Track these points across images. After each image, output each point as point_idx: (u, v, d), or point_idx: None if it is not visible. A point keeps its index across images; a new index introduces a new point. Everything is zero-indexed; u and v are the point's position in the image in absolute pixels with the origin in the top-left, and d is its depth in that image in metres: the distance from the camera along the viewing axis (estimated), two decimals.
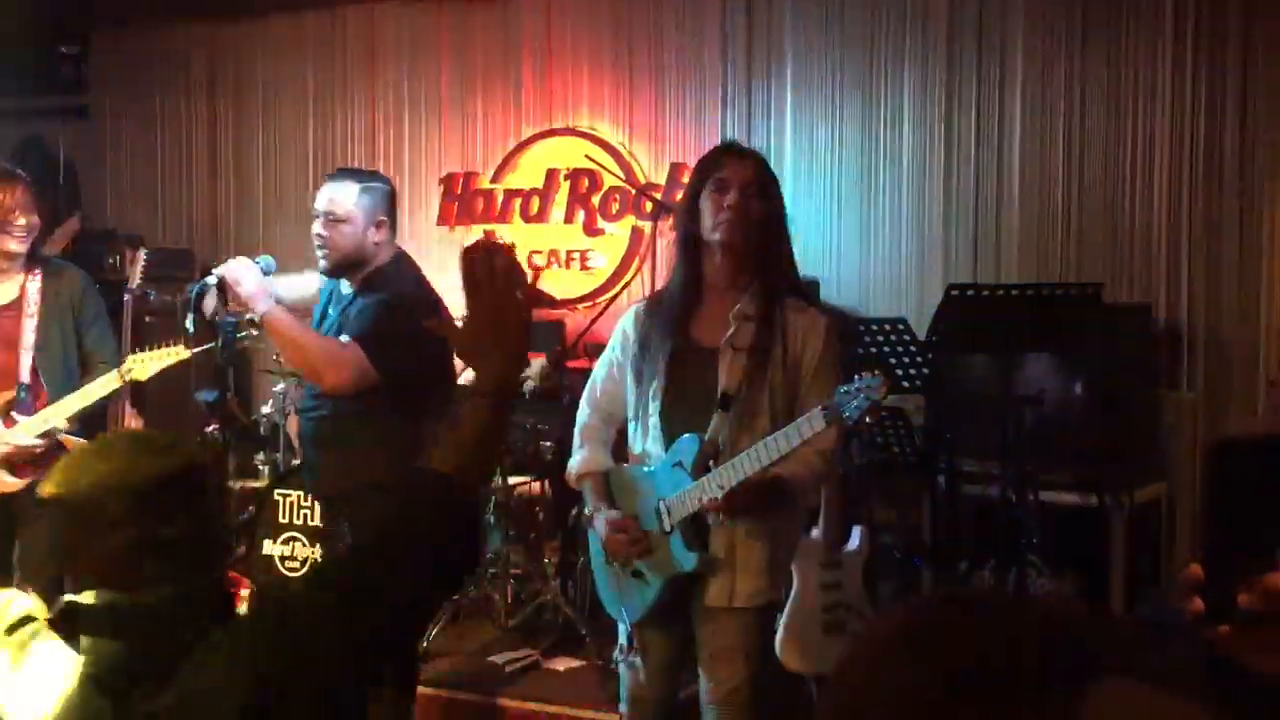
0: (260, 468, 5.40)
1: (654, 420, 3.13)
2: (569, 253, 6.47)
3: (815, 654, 4.17)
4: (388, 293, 3.76)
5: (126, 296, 5.27)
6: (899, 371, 4.66)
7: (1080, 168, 5.55)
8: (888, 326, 4.68)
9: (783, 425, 2.91)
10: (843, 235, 5.94)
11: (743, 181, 3.05)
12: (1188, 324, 5.35)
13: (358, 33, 6.98)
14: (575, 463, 3.29)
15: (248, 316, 3.62)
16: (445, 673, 4.80)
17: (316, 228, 3.80)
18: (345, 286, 3.88)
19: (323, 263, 3.83)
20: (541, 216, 6.51)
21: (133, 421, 5.71)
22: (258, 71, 7.22)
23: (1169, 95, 5.40)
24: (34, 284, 4.38)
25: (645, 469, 3.16)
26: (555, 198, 6.43)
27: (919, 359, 4.68)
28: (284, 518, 5.06)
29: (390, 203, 3.87)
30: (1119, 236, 5.48)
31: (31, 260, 4.39)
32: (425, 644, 4.95)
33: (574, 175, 6.35)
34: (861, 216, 5.92)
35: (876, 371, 2.80)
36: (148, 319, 6.14)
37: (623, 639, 3.28)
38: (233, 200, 7.22)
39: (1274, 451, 1.15)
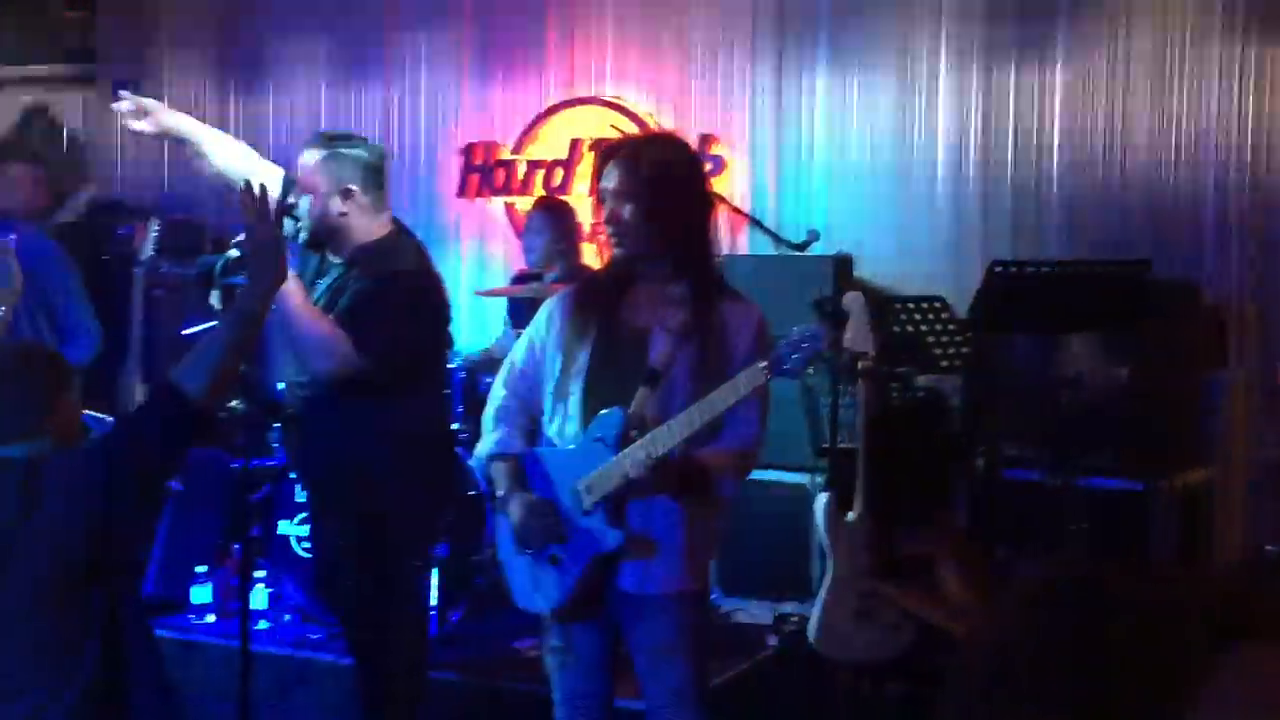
0: (274, 446, 5.26)
1: (575, 399, 3.06)
2: (593, 225, 6.31)
3: (850, 641, 4.08)
4: (382, 273, 3.61)
5: (138, 269, 5.15)
6: (936, 351, 4.53)
7: (1125, 141, 5.42)
8: (924, 305, 4.57)
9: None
10: (878, 211, 5.80)
11: (613, 191, 3.04)
12: (1236, 303, 5.23)
13: None
14: (487, 444, 3.18)
15: None
16: (467, 658, 4.73)
17: (289, 198, 3.65)
18: (334, 257, 3.72)
19: (301, 234, 3.67)
20: (564, 188, 6.36)
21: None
22: (270, 34, 7.07)
23: (1218, 67, 5.27)
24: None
25: (562, 449, 3.08)
26: (579, 169, 6.26)
27: (957, 338, 4.56)
28: (299, 497, 4.93)
29: (365, 170, 3.64)
30: (1165, 213, 5.36)
31: None
32: (445, 628, 4.87)
33: (598, 145, 6.20)
34: (897, 191, 5.78)
35: (822, 322, 2.79)
36: (158, 292, 6.03)
37: (553, 638, 3.19)
38: None
39: (919, 416, 1.21)
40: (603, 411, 2.99)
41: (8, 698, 2.55)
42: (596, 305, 3.11)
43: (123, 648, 2.62)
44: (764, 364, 2.79)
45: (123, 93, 3.83)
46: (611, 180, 3.05)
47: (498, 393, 3.23)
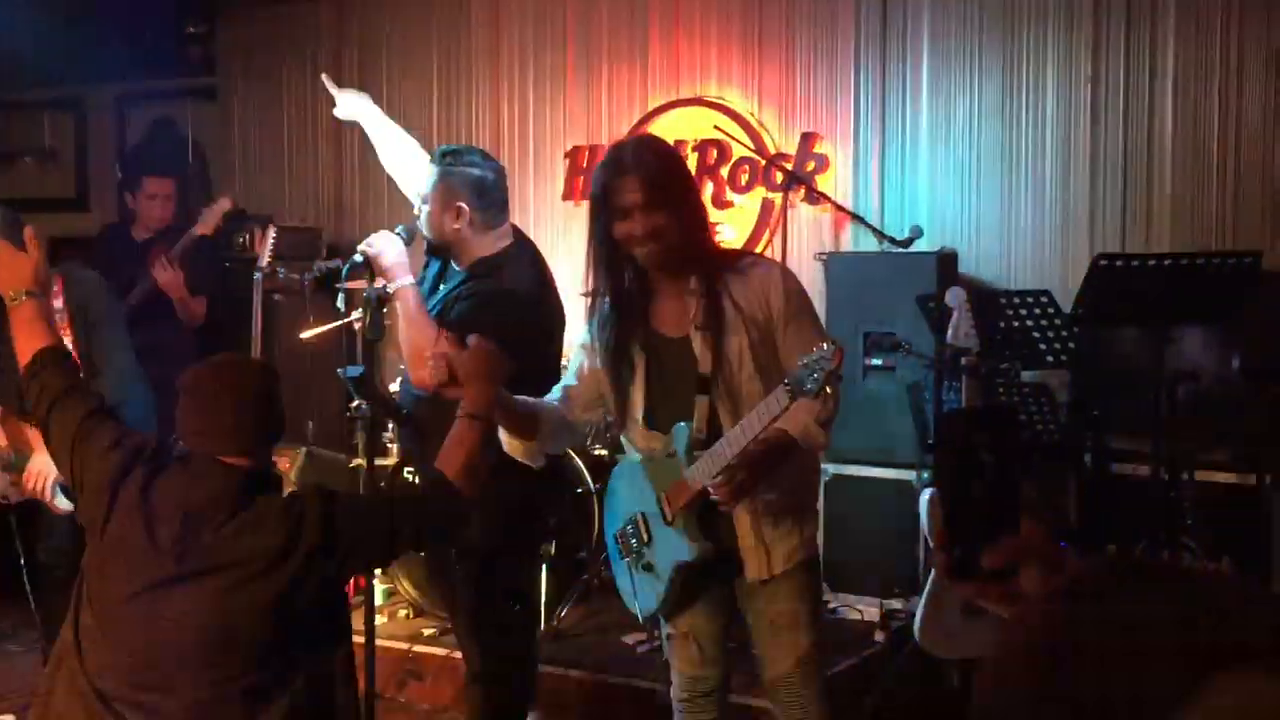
0: (389, 445, 5.39)
1: (638, 412, 3.15)
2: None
3: (955, 637, 4.05)
4: (487, 291, 3.69)
5: (256, 275, 5.32)
6: (1042, 346, 4.49)
7: (1237, 130, 5.28)
8: (1030, 299, 4.51)
9: (776, 381, 2.90)
10: (982, 206, 5.73)
11: (635, 204, 3.02)
12: None
13: (482, 4, 6.92)
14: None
15: (387, 288, 3.62)
16: (575, 653, 4.79)
17: (417, 207, 3.82)
18: (455, 265, 3.83)
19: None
20: None
21: None
22: (382, 47, 7.21)
23: None
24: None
25: (645, 460, 3.17)
26: None
27: (1064, 333, 4.51)
28: None
29: (480, 188, 3.73)
30: (1278, 203, 5.21)
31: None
32: (555, 623, 4.94)
33: (702, 146, 6.22)
34: (1002, 186, 5.70)
35: (832, 341, 2.81)
36: (276, 297, 6.20)
37: (668, 625, 3.28)
38: (358, 178, 7.22)
39: (994, 421, 1.28)
40: (677, 425, 3.07)
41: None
42: (628, 323, 3.14)
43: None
44: (786, 387, 2.80)
45: (325, 77, 4.30)
46: (635, 193, 3.02)
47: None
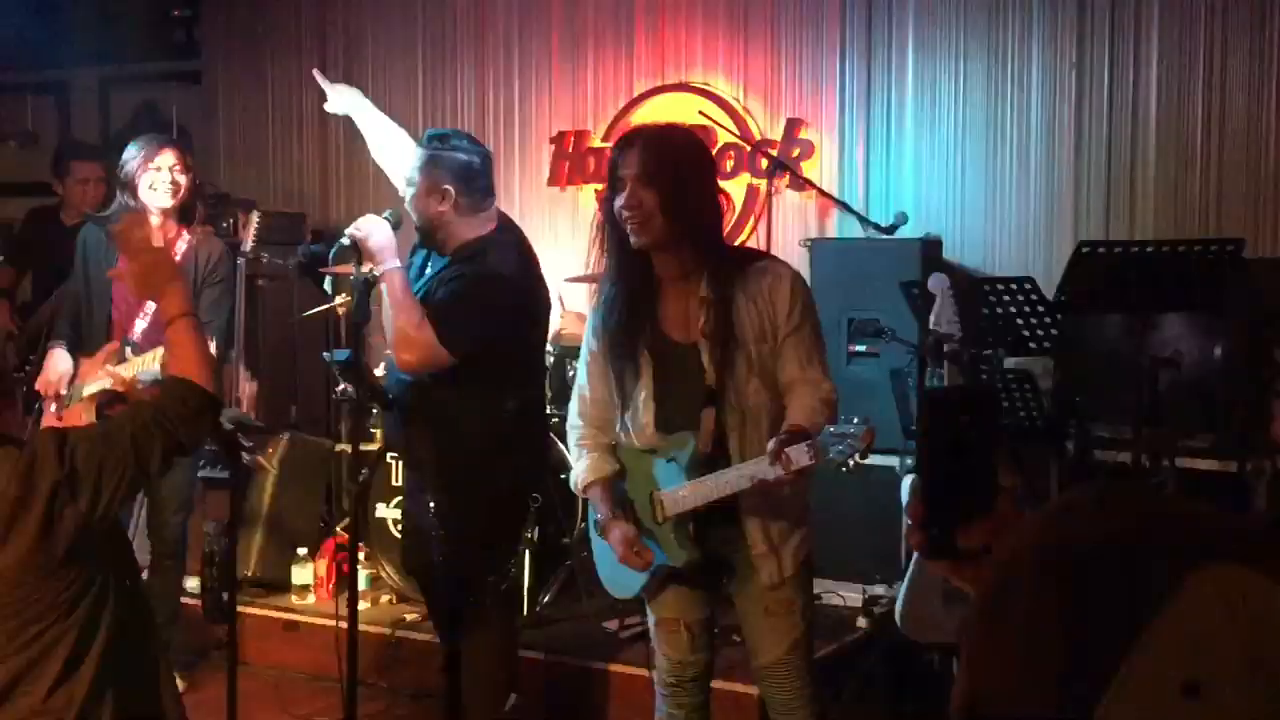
0: (373, 431, 5.40)
1: (644, 414, 3.14)
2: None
3: (936, 624, 4.09)
4: (472, 273, 3.70)
5: (240, 259, 5.31)
6: (1025, 333, 4.51)
7: (1221, 119, 5.30)
8: (1014, 286, 4.52)
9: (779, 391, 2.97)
10: (967, 193, 5.75)
11: (631, 176, 3.01)
12: None
13: None
14: (579, 471, 3.25)
15: (374, 271, 3.63)
16: (557, 638, 4.80)
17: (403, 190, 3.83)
18: (441, 251, 3.85)
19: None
20: None
21: (246, 386, 5.76)
22: (367, 32, 7.20)
23: None
24: (182, 245, 4.62)
25: (647, 452, 3.16)
26: None
27: (1047, 319, 4.52)
28: (396, 480, 5.05)
29: (462, 172, 3.74)
30: (1262, 190, 5.24)
31: (183, 222, 4.68)
32: (538, 608, 4.95)
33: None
34: (987, 173, 5.72)
35: (867, 421, 2.85)
36: (260, 281, 6.20)
37: (649, 616, 3.32)
38: (343, 163, 7.20)
39: (976, 403, 1.30)
40: (680, 433, 3.08)
41: None
42: (636, 324, 3.13)
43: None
44: (809, 449, 2.83)
45: (316, 73, 4.35)
46: (632, 166, 3.03)
47: (574, 423, 3.30)
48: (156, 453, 2.69)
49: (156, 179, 4.53)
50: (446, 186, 3.70)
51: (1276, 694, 0.87)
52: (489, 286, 3.70)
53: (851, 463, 2.84)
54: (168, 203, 4.58)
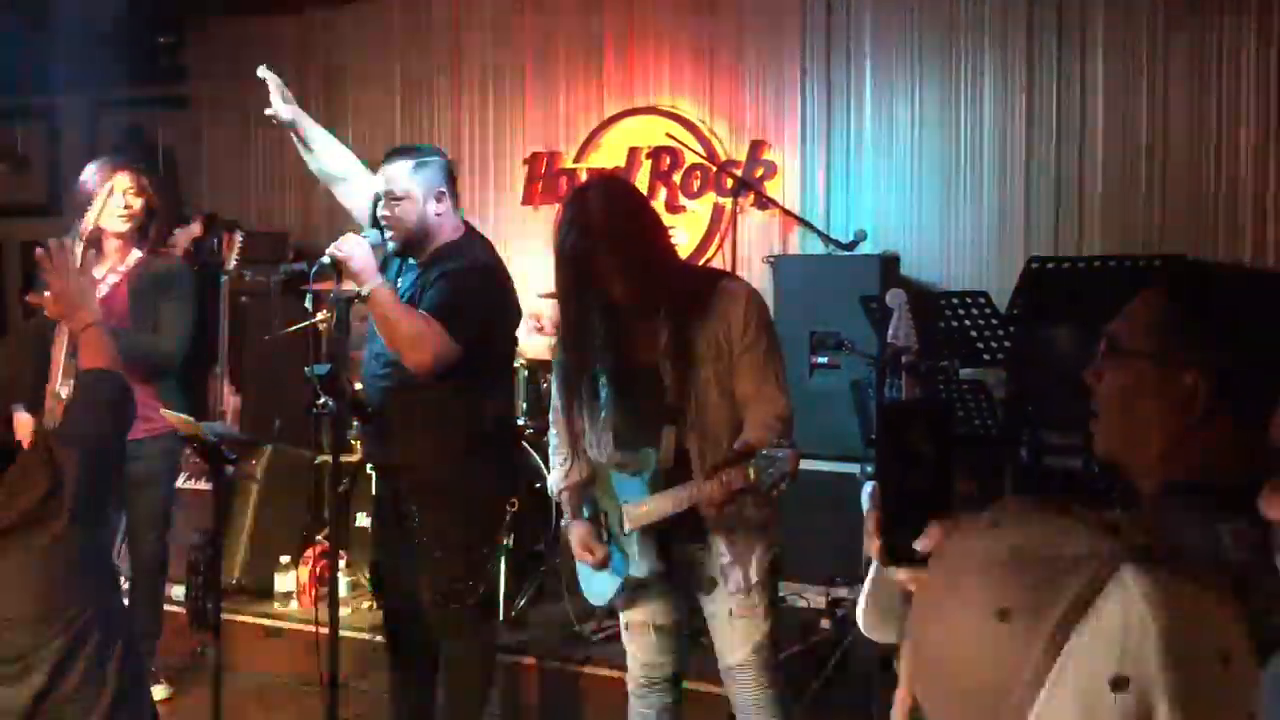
0: (353, 442, 5.51)
1: (607, 440, 3.25)
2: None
3: (895, 623, 4.19)
4: (462, 261, 3.82)
5: (224, 278, 5.45)
6: (979, 345, 4.66)
7: (1164, 139, 5.50)
8: (968, 300, 4.66)
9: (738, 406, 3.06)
10: (923, 210, 5.93)
11: (614, 270, 3.05)
12: None
13: (442, 16, 7.07)
14: (554, 478, 3.42)
15: (358, 291, 3.72)
16: (532, 640, 4.90)
17: (380, 209, 3.86)
18: (413, 259, 3.93)
19: (391, 243, 3.87)
20: None
21: (230, 399, 5.90)
22: (347, 57, 7.34)
23: (1253, 68, 5.34)
24: (130, 262, 4.68)
25: (615, 468, 3.27)
26: (637, 176, 6.42)
27: (1000, 332, 4.66)
28: (375, 490, 5.14)
29: (447, 175, 3.91)
30: (1204, 208, 5.43)
31: (140, 242, 4.70)
32: (514, 612, 5.06)
33: (655, 153, 6.39)
34: (942, 191, 5.90)
35: (793, 445, 2.94)
36: (243, 299, 6.30)
37: (621, 619, 3.43)
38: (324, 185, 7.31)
39: (930, 415, 1.33)
40: (643, 449, 3.19)
41: None
42: (597, 345, 3.18)
43: None
44: (740, 471, 2.95)
45: (268, 73, 4.35)
46: (617, 273, 3.05)
47: (552, 437, 3.45)
48: (103, 447, 2.80)
49: (110, 203, 4.51)
50: (441, 188, 3.86)
51: (1197, 684, 0.91)
52: (480, 276, 3.82)
53: (783, 485, 2.92)
54: (122, 227, 4.62)
